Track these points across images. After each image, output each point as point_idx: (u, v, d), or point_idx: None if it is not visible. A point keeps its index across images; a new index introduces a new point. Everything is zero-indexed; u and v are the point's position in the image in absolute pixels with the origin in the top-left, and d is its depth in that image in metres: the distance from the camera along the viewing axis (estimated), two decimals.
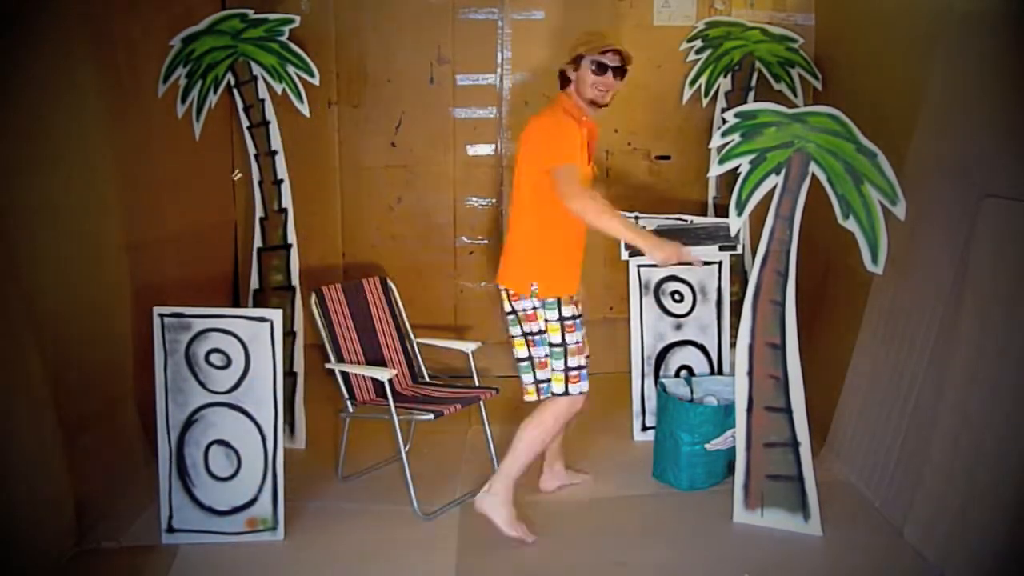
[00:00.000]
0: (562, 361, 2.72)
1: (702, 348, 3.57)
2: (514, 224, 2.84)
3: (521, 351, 2.82)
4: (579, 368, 2.74)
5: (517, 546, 2.73)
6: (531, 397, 2.83)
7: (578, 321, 2.76)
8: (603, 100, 2.69)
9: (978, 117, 2.69)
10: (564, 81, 2.75)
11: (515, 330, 2.81)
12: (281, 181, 3.45)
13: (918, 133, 2.97)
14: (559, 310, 2.70)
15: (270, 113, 3.41)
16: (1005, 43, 2.60)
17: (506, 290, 2.78)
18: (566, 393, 2.74)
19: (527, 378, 2.83)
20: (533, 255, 2.73)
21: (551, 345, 2.73)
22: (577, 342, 2.74)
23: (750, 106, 2.70)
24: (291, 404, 3.43)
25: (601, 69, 2.65)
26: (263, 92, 3.38)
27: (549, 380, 2.76)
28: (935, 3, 3.02)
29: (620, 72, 2.69)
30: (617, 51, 2.65)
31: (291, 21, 3.26)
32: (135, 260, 3.07)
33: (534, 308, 2.73)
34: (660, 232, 3.51)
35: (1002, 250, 2.48)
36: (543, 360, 2.76)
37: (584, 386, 2.75)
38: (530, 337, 2.77)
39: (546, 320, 2.72)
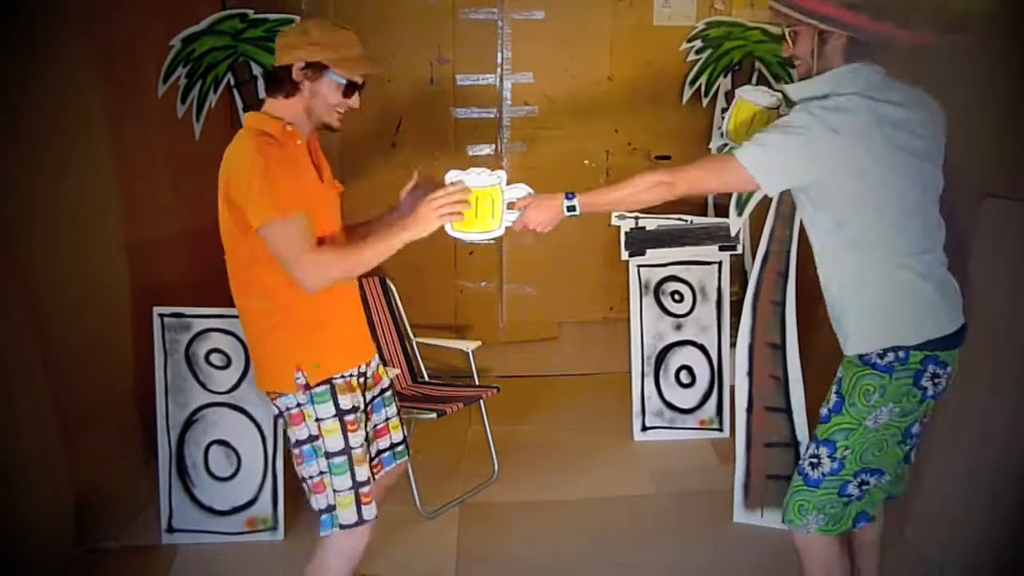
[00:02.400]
0: (347, 475, 1.94)
1: (702, 348, 3.57)
2: (242, 306, 2.03)
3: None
4: (367, 482, 1.97)
5: (516, 546, 2.72)
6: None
7: (362, 416, 2.00)
8: (339, 125, 1.99)
9: (978, 117, 2.69)
10: (278, 86, 1.95)
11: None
12: None
13: None
14: (334, 400, 1.93)
15: None
16: (1005, 43, 2.60)
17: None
18: (359, 521, 1.95)
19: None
20: (284, 334, 1.94)
21: (328, 455, 1.93)
22: (363, 444, 1.97)
23: None
24: None
25: (351, 90, 1.95)
26: (263, 92, 3.37)
27: (333, 507, 1.94)
28: (935, 3, 3.02)
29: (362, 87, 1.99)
30: (358, 78, 1.95)
31: (291, 21, 3.26)
32: (135, 260, 3.07)
33: (299, 406, 1.93)
34: (659, 233, 3.52)
35: (1002, 250, 2.48)
36: (318, 480, 1.95)
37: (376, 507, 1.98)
38: (296, 448, 1.97)
39: (317, 419, 1.93)
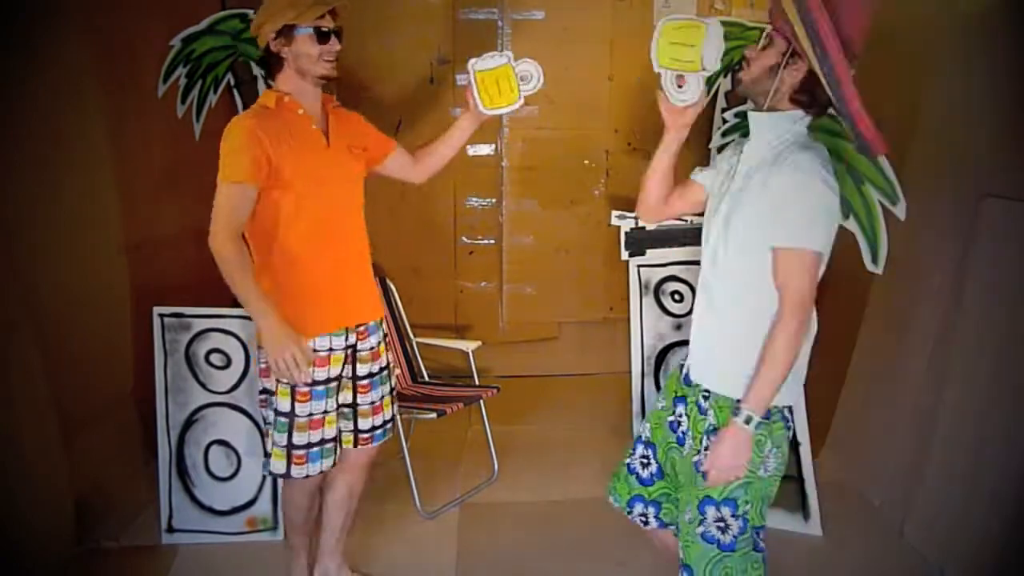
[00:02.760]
0: (285, 435, 2.13)
1: None
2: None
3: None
4: (307, 447, 2.14)
5: (516, 546, 2.73)
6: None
7: (324, 388, 2.13)
8: (335, 71, 2.09)
9: (978, 117, 2.69)
10: (271, 68, 2.10)
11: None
12: None
13: (918, 133, 2.97)
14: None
15: None
16: (1005, 43, 2.60)
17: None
18: (286, 475, 2.16)
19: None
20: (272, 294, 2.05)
21: (276, 412, 2.14)
22: (312, 414, 2.12)
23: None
24: None
25: (324, 36, 2.04)
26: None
27: (269, 455, 2.19)
28: (935, 3, 3.02)
29: (340, 34, 2.09)
30: (331, 8, 2.05)
31: None
32: (135, 260, 3.07)
33: (265, 362, 2.12)
34: (659, 233, 3.52)
35: (1002, 250, 2.48)
36: (266, 428, 2.21)
37: (310, 468, 2.15)
38: (261, 395, 2.20)
39: (276, 380, 2.11)
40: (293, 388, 2.08)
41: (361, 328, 2.20)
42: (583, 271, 4.30)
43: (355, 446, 2.27)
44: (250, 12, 3.27)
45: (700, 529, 1.80)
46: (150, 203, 3.25)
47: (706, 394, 1.86)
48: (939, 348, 2.72)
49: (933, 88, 2.94)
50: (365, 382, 2.23)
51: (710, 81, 4.09)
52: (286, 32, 2.02)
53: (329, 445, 2.17)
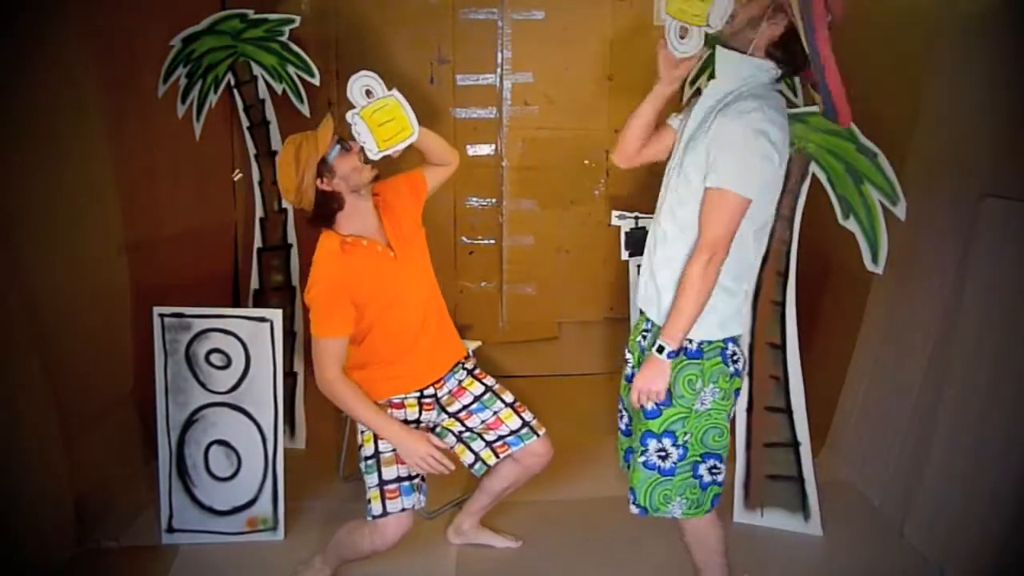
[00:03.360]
0: (375, 475, 2.32)
1: None
2: None
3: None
4: (397, 480, 2.30)
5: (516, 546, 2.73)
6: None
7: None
8: (369, 175, 2.23)
9: (978, 117, 2.69)
10: (326, 214, 2.24)
11: None
12: None
13: (918, 133, 2.97)
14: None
15: (270, 113, 3.40)
16: (1005, 43, 2.60)
17: None
18: (384, 513, 2.29)
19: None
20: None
21: (364, 459, 2.35)
22: (394, 450, 2.31)
23: None
24: (291, 404, 3.43)
25: (347, 146, 2.22)
26: (263, 92, 3.38)
27: (369, 501, 2.33)
28: (935, 3, 3.02)
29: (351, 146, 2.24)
30: (337, 137, 2.22)
31: (291, 21, 3.26)
32: (135, 260, 3.07)
33: None
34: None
35: (1002, 250, 2.48)
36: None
37: (404, 502, 2.29)
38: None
39: (361, 431, 2.37)
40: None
41: (436, 381, 2.44)
42: (583, 271, 4.29)
43: (497, 457, 2.45)
44: (250, 12, 3.28)
45: (642, 459, 2.01)
46: (150, 203, 3.25)
47: (648, 327, 2.01)
48: (939, 348, 2.72)
49: (933, 88, 2.94)
50: (463, 413, 2.45)
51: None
52: (324, 169, 2.17)
53: (417, 480, 2.31)
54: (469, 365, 2.53)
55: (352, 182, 2.21)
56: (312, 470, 3.23)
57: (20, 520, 2.39)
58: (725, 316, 1.95)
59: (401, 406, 2.39)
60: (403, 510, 2.28)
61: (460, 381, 2.49)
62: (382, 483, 2.29)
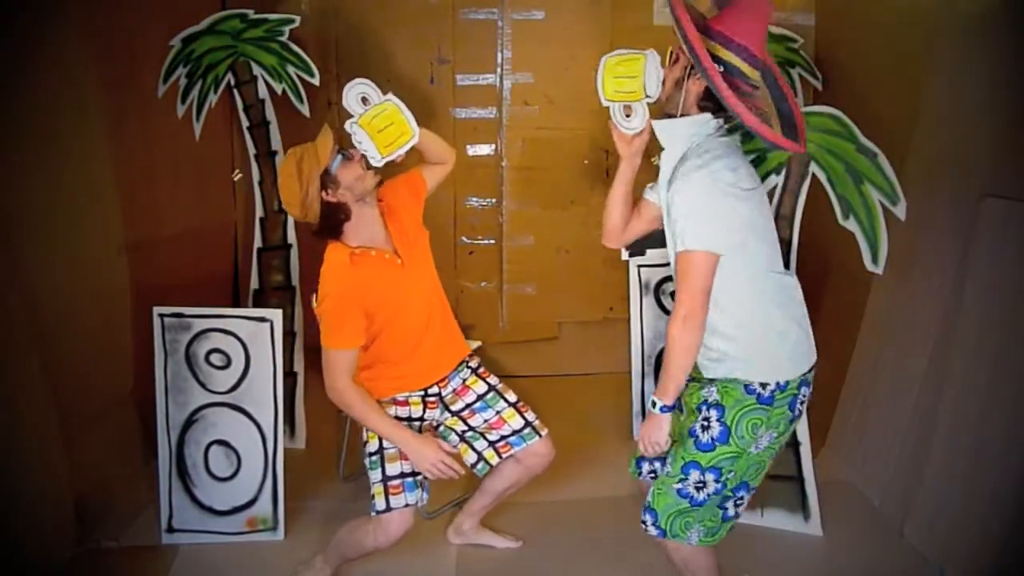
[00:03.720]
0: (379, 471, 2.34)
1: None
2: None
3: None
4: (400, 476, 2.32)
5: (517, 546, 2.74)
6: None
7: (407, 424, 2.36)
8: (373, 182, 2.23)
9: (978, 117, 2.69)
10: (333, 226, 2.24)
11: None
12: None
13: (918, 133, 2.97)
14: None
15: (270, 113, 3.41)
16: (1005, 43, 2.60)
17: None
18: (387, 508, 2.31)
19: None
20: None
21: (368, 455, 2.38)
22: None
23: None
24: (291, 404, 3.43)
25: (346, 159, 2.21)
26: (263, 92, 3.38)
27: (373, 496, 2.34)
28: (935, 3, 3.02)
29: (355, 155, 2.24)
30: (338, 147, 2.22)
31: (291, 21, 3.26)
32: (135, 260, 3.07)
33: None
34: (660, 233, 3.52)
35: (1002, 250, 2.48)
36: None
37: (408, 498, 2.31)
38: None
39: (366, 428, 2.38)
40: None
41: (442, 379, 2.45)
42: (583, 271, 4.29)
43: (500, 457, 2.46)
44: (250, 12, 3.28)
45: (678, 485, 2.01)
46: (150, 203, 3.26)
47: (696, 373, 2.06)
48: (939, 348, 2.72)
49: (933, 88, 2.94)
50: (466, 411, 2.46)
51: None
52: (328, 180, 2.17)
53: (420, 477, 2.33)
54: (473, 363, 2.54)
55: (357, 191, 2.21)
56: (312, 470, 3.23)
57: (20, 520, 2.39)
58: (781, 358, 1.96)
59: (405, 404, 2.41)
60: (406, 506, 2.29)
61: (464, 380, 2.50)
62: (385, 479, 2.30)
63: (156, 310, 2.68)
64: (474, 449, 2.47)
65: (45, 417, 2.52)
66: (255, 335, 2.69)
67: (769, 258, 1.98)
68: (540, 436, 2.47)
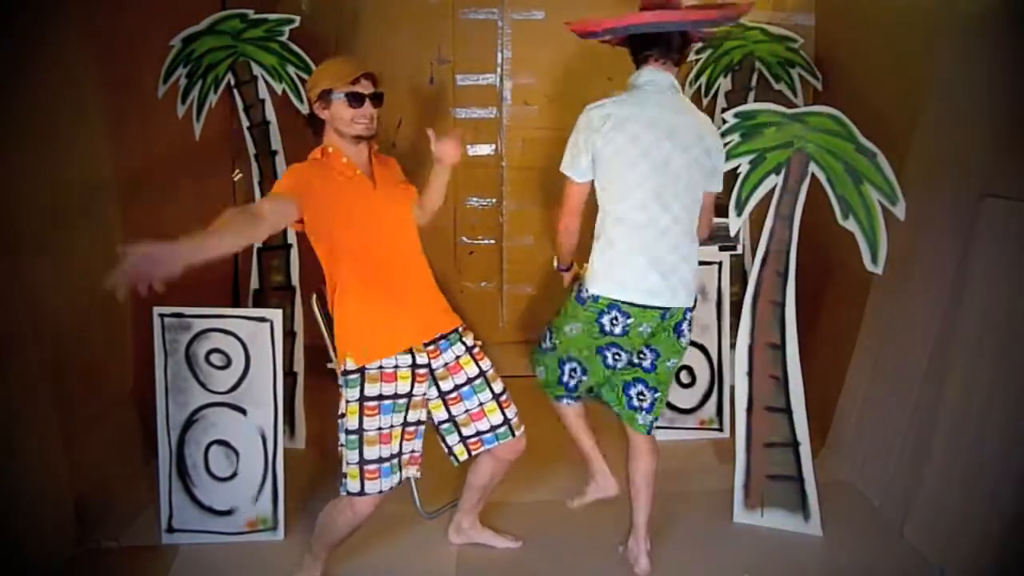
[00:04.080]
0: (356, 452, 2.27)
1: (702, 348, 3.57)
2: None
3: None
4: (378, 461, 2.28)
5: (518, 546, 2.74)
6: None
7: (392, 403, 2.28)
8: (370, 131, 2.29)
9: (978, 117, 2.69)
10: (315, 126, 2.32)
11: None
12: None
13: (918, 133, 2.97)
14: (360, 387, 2.26)
15: (270, 113, 3.41)
16: (1005, 43, 2.60)
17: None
18: (361, 492, 2.29)
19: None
20: (338, 323, 2.32)
21: (346, 431, 2.30)
22: (382, 428, 2.28)
23: (750, 106, 2.70)
24: (291, 404, 3.43)
25: (357, 100, 2.25)
26: (263, 92, 3.38)
27: (345, 475, 2.31)
28: (936, 3, 3.02)
29: (378, 98, 2.30)
30: (369, 75, 2.28)
31: (291, 21, 3.26)
32: None
33: (340, 387, 2.33)
34: None
35: (1002, 250, 2.48)
36: (341, 449, 2.33)
37: (383, 484, 2.28)
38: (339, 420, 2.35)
39: (346, 401, 2.29)
40: (361, 404, 2.25)
41: (431, 347, 2.36)
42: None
43: (469, 455, 2.46)
44: (250, 12, 3.28)
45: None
46: (150, 203, 3.25)
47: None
48: (939, 348, 2.72)
49: (933, 88, 2.94)
50: (453, 395, 2.39)
51: (711, 82, 4.13)
52: (324, 97, 2.25)
53: (396, 461, 2.32)
54: (469, 341, 2.45)
55: (335, 124, 2.27)
56: (312, 470, 3.24)
57: (20, 520, 2.39)
58: (602, 277, 2.36)
59: (393, 377, 2.28)
60: (380, 492, 2.29)
61: (458, 357, 2.40)
62: (362, 462, 2.27)
63: (156, 310, 2.68)
64: (445, 443, 2.44)
65: (45, 417, 2.52)
66: (255, 335, 2.69)
67: (622, 195, 2.30)
68: (514, 436, 2.44)
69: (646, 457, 2.59)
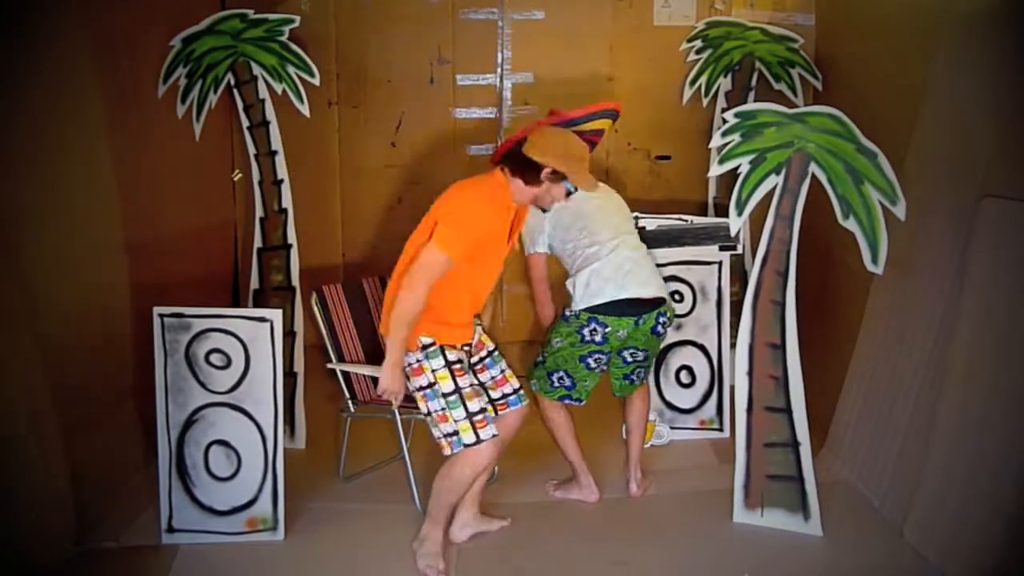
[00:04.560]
0: (461, 408, 2.53)
1: (702, 348, 3.57)
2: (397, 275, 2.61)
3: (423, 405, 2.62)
4: (482, 411, 2.55)
5: (516, 546, 2.74)
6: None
7: (466, 366, 2.62)
8: (548, 203, 2.67)
9: (978, 117, 2.69)
10: (522, 169, 2.54)
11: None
12: (281, 181, 3.45)
13: (918, 133, 2.97)
14: (444, 356, 2.54)
15: (270, 113, 3.41)
16: (1005, 43, 2.60)
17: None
18: (477, 440, 2.52)
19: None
20: (422, 320, 2.53)
21: (444, 395, 2.54)
22: (472, 384, 2.59)
23: (750, 106, 2.70)
24: (291, 404, 3.43)
25: (570, 194, 2.63)
26: (263, 92, 3.38)
27: (456, 432, 2.53)
28: (935, 3, 3.02)
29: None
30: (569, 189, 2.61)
31: (291, 21, 3.26)
32: (135, 260, 3.07)
33: (418, 361, 2.56)
34: (660, 233, 3.52)
35: (1002, 250, 2.48)
36: (440, 414, 2.56)
37: (493, 429, 2.55)
38: (420, 392, 2.58)
39: (432, 370, 2.55)
40: (450, 368, 2.54)
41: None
42: None
43: (496, 413, 2.70)
44: (250, 12, 3.28)
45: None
46: (150, 203, 3.25)
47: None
48: (939, 348, 2.72)
49: (933, 88, 2.94)
50: (479, 365, 2.75)
51: (711, 82, 4.13)
52: (559, 175, 2.52)
53: (490, 410, 2.63)
54: (479, 324, 2.81)
55: (544, 196, 2.59)
56: (312, 470, 3.24)
57: (20, 520, 2.39)
58: (576, 299, 2.96)
59: (456, 348, 2.61)
60: (493, 436, 2.53)
61: (479, 336, 2.77)
62: (470, 415, 2.52)
63: (156, 310, 2.68)
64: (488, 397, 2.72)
65: (45, 417, 2.52)
66: (255, 335, 2.69)
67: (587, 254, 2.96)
68: (523, 403, 2.77)
69: (639, 403, 3.14)
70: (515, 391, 2.76)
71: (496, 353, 2.80)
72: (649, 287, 2.90)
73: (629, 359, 2.98)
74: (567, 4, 4.19)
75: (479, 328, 2.77)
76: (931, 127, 2.93)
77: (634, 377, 3.05)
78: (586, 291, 2.89)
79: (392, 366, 2.47)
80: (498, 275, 2.74)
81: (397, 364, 2.47)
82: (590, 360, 2.93)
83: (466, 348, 2.69)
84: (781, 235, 2.67)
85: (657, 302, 2.91)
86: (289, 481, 2.77)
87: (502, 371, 2.78)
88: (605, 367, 2.98)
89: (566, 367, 2.96)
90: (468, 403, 2.53)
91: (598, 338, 2.88)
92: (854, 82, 3.77)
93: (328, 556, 2.68)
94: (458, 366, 2.57)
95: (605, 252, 2.91)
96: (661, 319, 2.93)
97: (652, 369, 3.32)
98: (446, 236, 2.43)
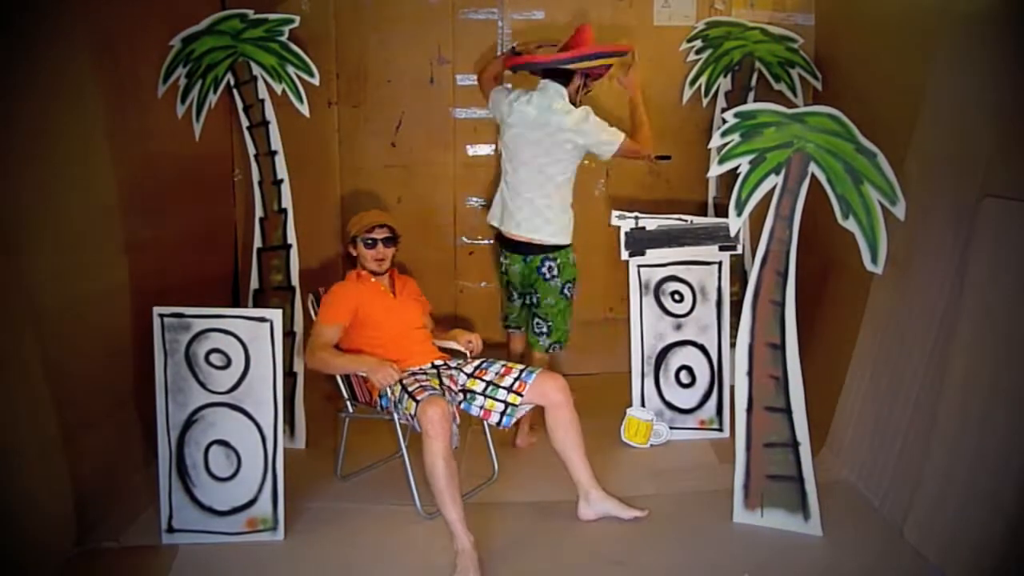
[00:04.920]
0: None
1: (702, 348, 3.57)
2: None
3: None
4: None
5: (516, 546, 2.74)
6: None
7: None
8: (382, 268, 3.12)
9: (978, 117, 2.69)
10: (355, 259, 3.18)
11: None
12: (281, 181, 3.46)
13: (918, 133, 2.97)
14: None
15: (270, 113, 3.41)
16: (1005, 43, 2.60)
17: None
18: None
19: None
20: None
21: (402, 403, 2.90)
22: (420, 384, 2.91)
23: (750, 106, 2.70)
24: (291, 404, 3.43)
25: (371, 244, 3.10)
26: (263, 92, 3.38)
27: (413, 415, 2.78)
28: (935, 3, 3.02)
29: (390, 241, 3.12)
30: (384, 224, 3.10)
31: (291, 21, 3.26)
32: (135, 260, 3.07)
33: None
34: (659, 233, 3.52)
35: (1002, 250, 2.48)
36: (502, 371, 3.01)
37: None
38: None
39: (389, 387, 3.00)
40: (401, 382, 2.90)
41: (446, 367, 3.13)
42: (583, 271, 4.28)
43: (520, 396, 2.90)
44: (250, 12, 3.28)
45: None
46: (150, 203, 3.25)
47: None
48: (939, 348, 2.72)
49: (933, 88, 2.94)
50: (479, 370, 3.02)
51: (711, 82, 4.13)
52: (352, 241, 3.13)
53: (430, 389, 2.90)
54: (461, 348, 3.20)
55: (363, 261, 3.14)
56: (312, 470, 3.24)
57: (20, 520, 2.39)
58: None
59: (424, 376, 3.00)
60: (430, 394, 2.71)
61: (475, 368, 3.04)
62: (411, 395, 2.75)
63: (156, 310, 2.68)
64: (498, 400, 2.90)
65: (45, 417, 2.52)
66: (255, 335, 2.70)
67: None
68: (537, 371, 2.95)
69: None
70: (522, 370, 2.96)
71: (490, 358, 3.08)
72: (521, 229, 3.26)
73: (528, 302, 3.35)
74: (567, 4, 4.19)
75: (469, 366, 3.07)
76: (931, 127, 2.93)
77: (536, 329, 3.35)
78: (494, 209, 3.39)
79: (369, 368, 2.87)
80: (414, 321, 3.17)
81: (371, 365, 2.87)
82: (509, 289, 3.36)
83: (448, 370, 3.07)
84: (781, 235, 2.67)
85: (541, 248, 3.25)
86: (289, 481, 2.77)
87: (503, 364, 3.01)
88: (523, 302, 3.41)
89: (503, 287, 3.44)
90: (409, 389, 2.80)
91: (503, 268, 3.33)
92: (854, 82, 3.77)
93: (328, 556, 2.68)
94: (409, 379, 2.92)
95: (505, 177, 3.33)
96: (548, 263, 3.24)
97: (558, 337, 3.44)
98: (322, 311, 3.06)
